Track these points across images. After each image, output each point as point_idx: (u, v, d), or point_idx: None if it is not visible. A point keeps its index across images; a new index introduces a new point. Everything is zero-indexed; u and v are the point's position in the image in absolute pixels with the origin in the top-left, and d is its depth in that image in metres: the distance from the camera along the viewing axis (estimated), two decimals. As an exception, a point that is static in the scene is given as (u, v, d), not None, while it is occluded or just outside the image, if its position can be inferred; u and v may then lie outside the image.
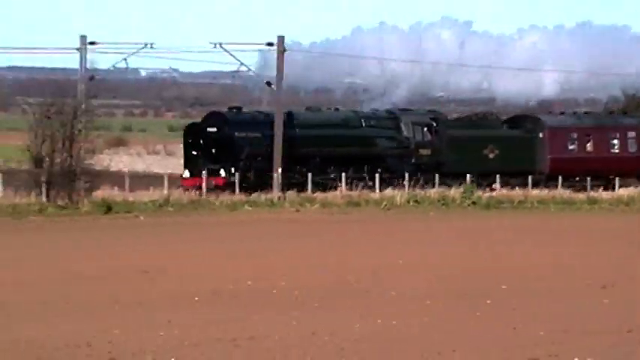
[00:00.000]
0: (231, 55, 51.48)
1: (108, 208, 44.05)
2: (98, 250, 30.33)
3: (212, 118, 50.62)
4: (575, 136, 57.21)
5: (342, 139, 51.51)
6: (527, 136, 56.59)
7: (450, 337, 15.84)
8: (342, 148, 51.15)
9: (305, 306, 18.96)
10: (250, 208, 46.64)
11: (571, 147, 56.96)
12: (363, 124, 52.47)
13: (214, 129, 48.67)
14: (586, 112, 61.83)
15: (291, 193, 49.97)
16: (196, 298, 19.82)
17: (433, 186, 51.43)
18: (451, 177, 52.02)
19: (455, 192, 50.43)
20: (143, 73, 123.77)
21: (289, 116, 50.76)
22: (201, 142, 48.58)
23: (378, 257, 27.71)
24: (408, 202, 49.24)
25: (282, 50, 51.00)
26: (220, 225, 39.89)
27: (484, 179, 52.51)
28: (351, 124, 52.46)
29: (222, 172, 47.63)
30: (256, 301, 19.60)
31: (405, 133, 53.08)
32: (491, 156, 54.28)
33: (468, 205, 48.56)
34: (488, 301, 19.75)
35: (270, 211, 45.92)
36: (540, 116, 58.73)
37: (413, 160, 52.73)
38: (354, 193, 50.28)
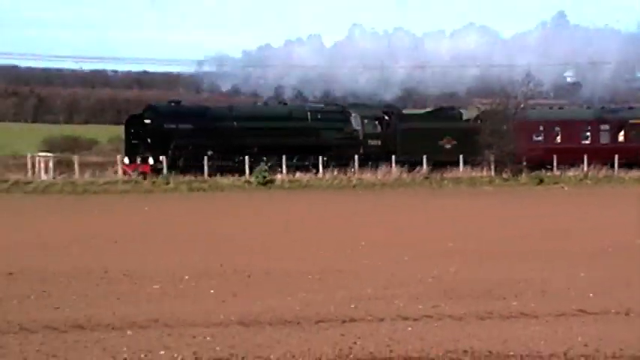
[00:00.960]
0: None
1: (540, 180, 43.69)
2: (529, 211, 30.10)
3: (149, 110, 42.58)
4: (541, 128, 48.20)
5: (283, 131, 42.93)
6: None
7: None
8: (282, 138, 42.57)
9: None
10: (655, 182, 44.63)
11: (537, 138, 47.78)
12: (309, 118, 44.30)
13: (149, 120, 41.42)
14: (560, 108, 52.18)
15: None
16: (610, 250, 19.09)
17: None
18: (405, 165, 44.14)
19: None
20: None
21: (230, 110, 43.59)
22: (140, 132, 41.42)
23: None
24: None
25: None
26: (629, 195, 38.12)
27: (440, 166, 44.39)
28: (296, 117, 44.09)
29: (151, 160, 40.46)
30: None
31: (354, 125, 45.12)
32: (447, 146, 46.05)
33: None
34: None
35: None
36: (507, 111, 48.09)
37: (361, 150, 44.66)
38: None
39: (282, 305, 12.51)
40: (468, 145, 44.96)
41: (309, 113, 44.54)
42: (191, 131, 40.97)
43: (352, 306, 12.52)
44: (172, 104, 43.39)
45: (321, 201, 35.04)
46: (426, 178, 43.97)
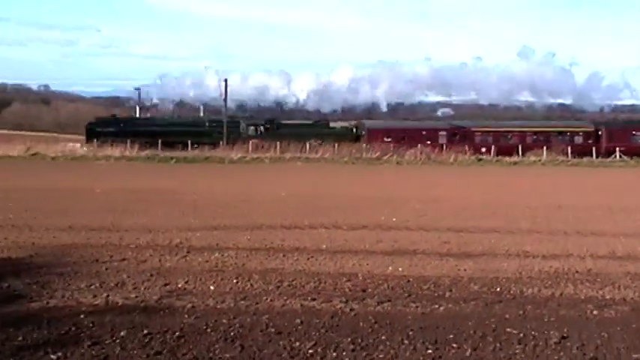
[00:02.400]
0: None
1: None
2: None
3: (96, 120, 56.14)
4: (391, 134, 54.43)
5: (186, 132, 53.24)
6: (349, 133, 55.24)
7: None
8: (184, 137, 52.39)
9: None
10: None
11: (387, 140, 53.36)
12: (207, 125, 54.25)
13: (92, 127, 54.75)
14: (414, 120, 59.84)
15: None
16: None
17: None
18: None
19: None
20: None
21: (148, 119, 56.91)
22: (89, 133, 54.59)
23: None
24: None
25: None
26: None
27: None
28: (198, 125, 54.85)
29: (85, 148, 51.28)
30: None
31: (242, 130, 53.99)
32: (314, 144, 51.69)
33: None
34: None
35: None
36: (366, 122, 57.37)
37: (245, 146, 52.38)
38: None
39: None
40: (330, 143, 51.73)
41: (207, 122, 54.92)
42: (115, 132, 53.10)
43: None
44: (111, 116, 57.15)
45: None
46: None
